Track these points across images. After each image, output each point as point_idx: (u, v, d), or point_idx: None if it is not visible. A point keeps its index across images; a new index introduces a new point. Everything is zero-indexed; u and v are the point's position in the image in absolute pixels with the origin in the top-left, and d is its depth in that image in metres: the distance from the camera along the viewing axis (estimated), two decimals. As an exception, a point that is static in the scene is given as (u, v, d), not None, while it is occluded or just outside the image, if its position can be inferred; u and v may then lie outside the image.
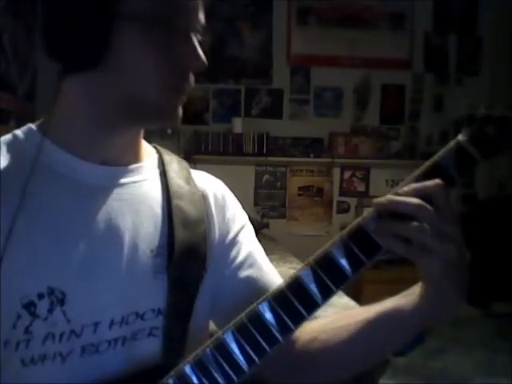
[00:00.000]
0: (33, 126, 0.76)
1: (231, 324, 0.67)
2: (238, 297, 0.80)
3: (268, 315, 0.67)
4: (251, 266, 0.83)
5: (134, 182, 0.77)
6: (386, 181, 4.98)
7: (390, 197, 0.65)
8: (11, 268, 0.67)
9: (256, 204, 4.83)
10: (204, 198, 0.83)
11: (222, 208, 0.84)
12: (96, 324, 0.70)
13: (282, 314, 0.66)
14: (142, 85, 0.70)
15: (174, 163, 0.84)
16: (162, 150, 0.86)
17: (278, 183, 4.95)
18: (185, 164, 0.86)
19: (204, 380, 0.67)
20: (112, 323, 0.71)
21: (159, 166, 0.82)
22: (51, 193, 0.72)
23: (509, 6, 4.40)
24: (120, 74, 0.69)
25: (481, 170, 4.58)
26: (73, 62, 0.69)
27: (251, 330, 0.67)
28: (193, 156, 4.25)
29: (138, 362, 0.72)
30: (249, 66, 4.88)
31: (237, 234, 0.84)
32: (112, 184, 0.75)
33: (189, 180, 0.83)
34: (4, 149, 0.74)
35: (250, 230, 0.87)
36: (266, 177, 4.93)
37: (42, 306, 0.68)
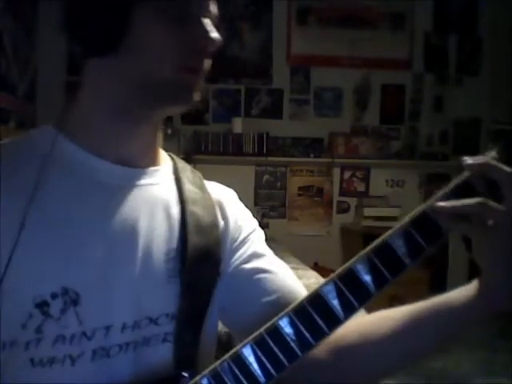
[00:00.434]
0: (49, 126, 0.77)
1: (250, 338, 0.66)
2: (246, 288, 0.80)
3: (288, 330, 0.65)
4: (259, 257, 0.82)
5: (151, 185, 0.77)
6: (386, 181, 4.99)
7: (484, 160, 0.63)
8: (24, 267, 0.66)
9: (256, 204, 4.83)
10: (220, 203, 0.84)
11: (234, 216, 0.85)
12: (108, 327, 0.69)
13: (302, 329, 0.65)
14: (160, 65, 0.71)
15: (188, 171, 0.85)
16: (176, 159, 0.86)
17: (278, 183, 4.94)
18: (198, 173, 0.87)
19: None
20: (124, 327, 0.70)
21: (174, 173, 0.83)
22: (67, 191, 0.71)
23: (509, 5, 4.39)
24: (139, 54, 0.70)
25: None
26: (94, 44, 0.70)
27: (270, 345, 0.65)
28: (193, 156, 4.24)
29: (149, 367, 0.71)
30: (249, 66, 4.88)
31: (247, 236, 0.84)
32: (129, 185, 0.75)
33: (202, 187, 0.84)
34: (19, 148, 0.74)
35: (260, 235, 0.87)
36: (266, 177, 4.93)
37: (55, 306, 0.67)
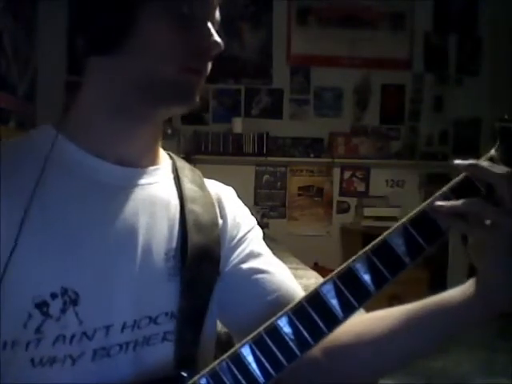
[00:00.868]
0: (49, 126, 0.77)
1: (249, 337, 0.66)
2: (245, 288, 0.80)
3: (287, 329, 0.65)
4: (257, 257, 0.82)
5: (150, 184, 0.77)
6: (386, 181, 4.99)
7: (473, 163, 0.63)
8: (24, 266, 0.66)
9: (256, 204, 4.83)
10: (218, 201, 0.84)
11: (233, 214, 0.85)
12: (108, 327, 0.70)
13: (301, 328, 0.65)
14: (163, 65, 0.71)
15: (187, 170, 0.85)
16: (175, 157, 0.87)
17: (278, 183, 4.94)
18: (197, 171, 0.87)
19: None
20: (124, 327, 0.70)
21: (173, 171, 0.83)
22: (66, 191, 0.72)
23: (509, 5, 4.40)
24: (143, 54, 0.71)
25: None
26: (98, 42, 0.70)
27: (269, 344, 0.65)
28: (193, 156, 4.24)
29: (150, 367, 0.71)
30: (249, 66, 4.88)
31: (245, 234, 0.84)
32: (128, 185, 0.75)
33: (202, 185, 0.84)
34: (19, 148, 0.74)
35: (258, 233, 0.87)
36: (265, 177, 4.93)
37: (55, 306, 0.67)
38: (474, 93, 4.95)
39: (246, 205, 0.90)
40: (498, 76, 4.84)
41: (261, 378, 0.65)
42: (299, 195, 4.96)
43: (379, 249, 0.65)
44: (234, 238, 0.83)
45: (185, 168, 0.85)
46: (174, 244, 0.75)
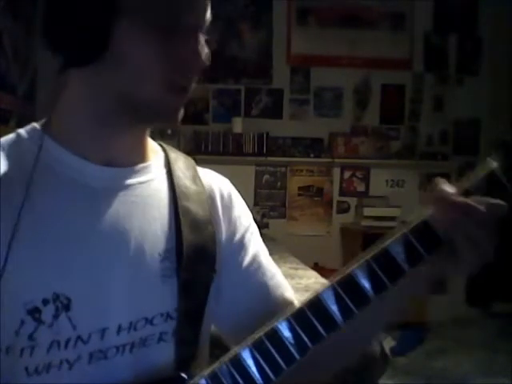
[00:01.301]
0: (37, 125, 0.75)
1: (248, 340, 0.66)
2: (239, 302, 0.79)
3: (287, 334, 0.66)
4: (256, 270, 0.81)
5: (140, 183, 0.76)
6: (386, 181, 4.99)
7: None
8: (15, 273, 0.66)
9: (256, 204, 4.83)
10: (210, 197, 0.81)
11: (228, 208, 0.83)
12: (103, 330, 0.69)
13: (301, 333, 0.66)
14: (140, 82, 0.68)
15: (180, 161, 0.82)
16: (168, 148, 0.84)
17: (278, 183, 4.94)
18: (191, 162, 0.84)
19: None
20: (120, 329, 0.70)
21: (165, 166, 0.80)
22: (55, 195, 0.70)
23: (509, 5, 4.39)
24: (119, 70, 0.68)
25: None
26: (73, 55, 0.67)
27: (269, 348, 0.66)
28: (193, 156, 4.24)
29: (148, 368, 0.71)
30: (249, 66, 4.88)
31: (243, 236, 0.82)
32: (118, 186, 0.74)
33: (195, 179, 0.81)
34: (7, 148, 0.72)
35: (255, 230, 0.86)
36: (265, 177, 4.93)
37: (47, 312, 0.67)
38: (473, 93, 4.95)
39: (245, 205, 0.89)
40: (498, 76, 4.84)
41: (260, 382, 0.66)
42: (299, 195, 4.96)
43: (379, 256, 0.66)
44: (231, 239, 0.81)
45: (178, 160, 0.82)
46: (168, 244, 0.74)
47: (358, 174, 5.01)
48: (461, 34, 5.01)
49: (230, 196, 0.84)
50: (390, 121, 5.03)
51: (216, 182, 0.85)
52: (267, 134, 4.75)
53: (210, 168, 0.86)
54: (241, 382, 0.66)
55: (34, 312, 0.66)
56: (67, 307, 0.67)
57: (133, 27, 0.66)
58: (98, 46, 0.66)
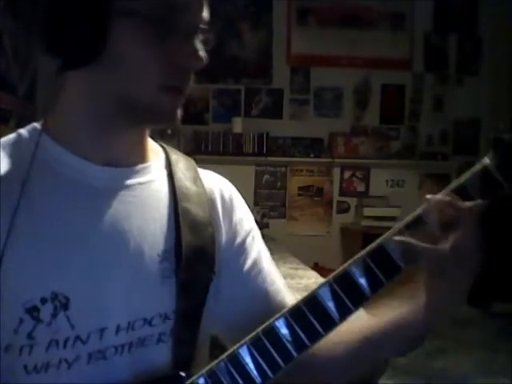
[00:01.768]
0: (37, 125, 0.75)
1: (247, 338, 0.67)
2: (239, 307, 0.79)
3: (284, 331, 0.66)
4: (257, 275, 0.81)
5: (140, 184, 0.75)
6: (386, 181, 4.99)
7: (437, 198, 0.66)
8: (14, 271, 0.66)
9: (256, 204, 4.83)
10: (211, 199, 0.81)
11: (229, 211, 0.82)
12: (102, 330, 0.69)
13: (298, 330, 0.66)
14: (137, 84, 0.68)
15: (181, 163, 0.82)
16: (169, 149, 0.83)
17: (278, 183, 4.95)
18: (192, 163, 0.84)
19: None
20: (118, 329, 0.70)
21: (166, 167, 0.80)
22: (54, 195, 0.70)
23: (509, 5, 4.39)
24: (116, 71, 0.68)
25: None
26: (70, 57, 0.67)
27: (266, 345, 0.66)
28: (193, 156, 4.24)
29: (146, 368, 0.71)
30: (249, 66, 4.88)
31: (244, 239, 0.82)
32: (117, 186, 0.74)
33: (196, 180, 0.81)
34: (8, 148, 0.72)
35: (256, 233, 0.85)
36: (265, 177, 4.93)
37: (46, 311, 0.67)
38: (473, 93, 4.95)
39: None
40: (498, 76, 4.84)
41: (258, 379, 0.66)
42: (299, 195, 4.96)
43: (375, 253, 0.66)
44: (232, 242, 0.81)
45: (179, 161, 0.82)
46: (167, 245, 0.74)
47: (358, 173, 5.01)
48: (461, 34, 5.02)
49: (231, 198, 0.84)
50: (390, 121, 5.03)
51: (217, 184, 0.84)
52: (267, 134, 4.75)
53: (210, 168, 0.86)
54: (239, 379, 0.66)
55: (33, 311, 0.66)
56: (65, 306, 0.68)
57: (129, 28, 0.66)
58: (95, 48, 0.66)
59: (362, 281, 0.65)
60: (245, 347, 0.66)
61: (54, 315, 0.67)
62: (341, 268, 0.66)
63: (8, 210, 0.67)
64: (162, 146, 0.84)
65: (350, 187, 5.01)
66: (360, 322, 0.77)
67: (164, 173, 0.79)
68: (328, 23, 4.88)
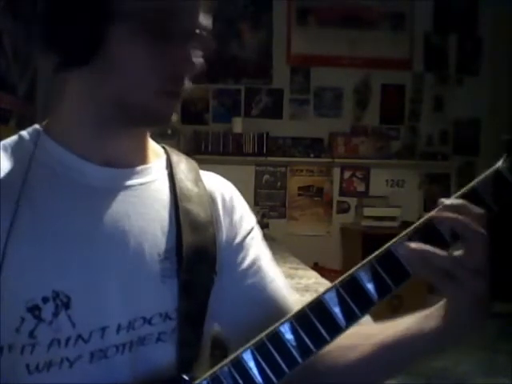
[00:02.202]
0: (38, 126, 0.76)
1: (251, 343, 0.66)
2: (239, 304, 0.79)
3: (289, 336, 0.65)
4: (256, 273, 0.81)
5: (141, 184, 0.76)
6: (386, 181, 4.99)
7: (436, 213, 0.63)
8: (15, 271, 0.66)
9: (256, 204, 4.83)
10: (212, 200, 0.81)
11: (229, 211, 0.82)
12: (103, 329, 0.69)
13: (303, 335, 0.65)
14: (133, 87, 0.69)
15: (183, 164, 0.82)
16: (171, 150, 0.84)
17: (278, 183, 4.95)
18: (194, 164, 0.84)
19: None
20: (119, 328, 0.70)
21: (167, 167, 0.80)
22: (55, 194, 0.71)
23: (509, 5, 4.39)
24: (113, 74, 0.68)
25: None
26: (66, 57, 0.68)
27: (271, 350, 0.65)
28: (193, 156, 4.24)
29: (148, 368, 0.71)
30: (249, 66, 4.88)
31: (244, 238, 0.82)
32: (118, 186, 0.74)
33: (197, 181, 0.81)
34: (9, 150, 0.73)
35: (257, 233, 0.85)
36: (265, 177, 4.93)
37: (47, 310, 0.67)
38: (473, 93, 4.95)
39: (245, 205, 0.88)
40: (498, 76, 4.84)
41: (261, 383, 0.65)
42: (299, 195, 4.96)
43: (383, 258, 0.64)
44: (232, 241, 0.81)
45: (180, 162, 0.82)
46: (168, 245, 0.74)
47: (358, 173, 5.01)
48: (461, 34, 5.02)
49: (231, 199, 0.84)
50: (390, 121, 5.03)
51: (218, 185, 0.85)
52: (267, 134, 4.75)
53: (210, 168, 0.86)
54: None
55: (34, 310, 0.67)
56: (67, 305, 0.68)
57: (125, 32, 0.67)
58: (90, 49, 0.66)
59: (370, 286, 0.64)
60: (249, 352, 0.66)
61: (56, 314, 0.67)
62: (348, 273, 0.65)
63: (9, 210, 0.67)
64: (164, 148, 0.84)
65: (349, 187, 5.01)
66: (375, 328, 0.76)
67: (165, 173, 0.80)
68: (328, 23, 4.88)
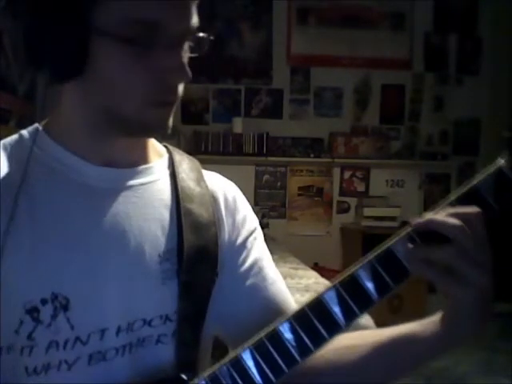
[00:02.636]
0: (39, 126, 0.75)
1: (249, 342, 0.66)
2: (239, 305, 0.79)
3: (288, 335, 0.65)
4: (257, 274, 0.80)
5: (142, 184, 0.75)
6: (386, 181, 4.99)
7: (429, 217, 0.62)
8: (14, 272, 0.66)
9: (256, 204, 4.83)
10: (214, 200, 0.80)
11: (232, 211, 0.81)
12: (102, 331, 0.69)
13: (302, 335, 0.65)
14: (121, 98, 0.67)
15: (185, 163, 0.81)
16: (173, 150, 0.83)
17: (278, 183, 4.94)
18: (196, 163, 0.83)
19: None
20: (119, 330, 0.69)
21: (169, 167, 0.80)
22: (54, 195, 0.71)
23: (509, 5, 4.40)
24: (100, 85, 0.67)
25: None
26: (53, 72, 0.67)
27: (270, 350, 0.65)
28: (193, 156, 4.25)
29: (148, 369, 0.71)
30: (249, 66, 4.88)
31: (246, 239, 0.81)
32: (118, 186, 0.73)
33: (199, 181, 0.80)
34: (9, 149, 0.73)
35: (259, 235, 0.84)
36: (265, 177, 4.93)
37: (46, 312, 0.67)
38: (473, 93, 4.95)
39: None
40: (498, 76, 4.84)
41: (260, 383, 0.65)
42: (299, 195, 4.96)
43: (383, 257, 0.64)
44: (234, 242, 0.80)
45: (183, 162, 0.81)
46: (169, 245, 0.73)
47: (358, 173, 5.01)
48: (461, 34, 5.01)
49: (234, 200, 0.83)
50: (390, 121, 5.03)
51: (221, 185, 0.84)
52: (267, 134, 4.75)
53: (210, 168, 0.85)
54: (241, 383, 0.65)
55: (33, 312, 0.66)
56: (66, 307, 0.67)
57: (107, 44, 0.65)
58: (75, 63, 0.65)
59: (369, 285, 0.63)
60: (248, 351, 0.65)
61: (54, 316, 0.67)
62: (347, 272, 0.65)
63: (8, 209, 0.67)
64: (166, 147, 0.83)
65: (349, 187, 5.01)
66: (373, 331, 0.76)
67: (167, 173, 0.79)
68: (328, 23, 4.88)
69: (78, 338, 0.68)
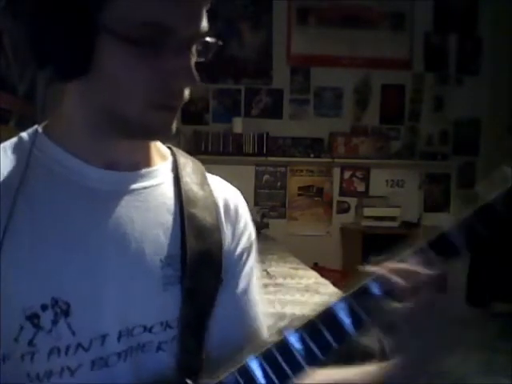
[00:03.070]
0: (39, 127, 0.74)
1: (258, 351, 0.65)
2: (226, 314, 0.77)
3: (298, 346, 0.65)
4: (246, 288, 0.79)
5: (145, 188, 0.74)
6: (386, 181, 4.99)
7: (381, 271, 0.65)
8: (13, 278, 0.65)
9: (256, 204, 4.83)
10: (216, 205, 0.79)
11: (233, 220, 0.80)
12: (103, 336, 0.68)
13: (312, 346, 0.65)
14: (123, 100, 0.66)
15: (189, 167, 0.80)
16: (177, 152, 0.81)
17: (278, 183, 4.95)
18: (200, 167, 0.82)
19: None
20: (120, 335, 0.69)
21: (173, 170, 0.78)
22: (55, 198, 0.69)
23: (509, 5, 4.40)
24: (103, 86, 0.66)
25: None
26: (57, 71, 0.66)
27: (277, 358, 0.65)
28: (193, 156, 4.25)
29: (150, 375, 0.70)
30: (249, 66, 4.88)
31: (243, 251, 0.80)
32: (120, 190, 0.72)
33: (203, 185, 0.79)
34: (9, 151, 0.72)
35: (254, 248, 0.83)
36: (266, 177, 4.93)
37: (46, 318, 0.66)
38: (473, 93, 4.95)
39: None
40: (498, 76, 4.85)
41: None
42: (299, 195, 4.96)
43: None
44: (232, 252, 0.79)
45: (187, 165, 0.80)
46: (171, 250, 0.72)
47: (358, 173, 5.01)
48: (461, 34, 5.02)
49: (236, 208, 0.81)
50: (390, 121, 5.03)
51: (224, 191, 0.82)
52: (267, 134, 4.75)
53: (210, 168, 0.85)
54: None
55: (33, 318, 0.65)
56: (66, 313, 0.66)
57: (113, 45, 0.64)
58: (81, 62, 0.64)
59: (380, 296, 0.65)
60: (256, 361, 0.65)
61: (55, 322, 0.66)
62: (358, 284, 0.66)
63: (7, 212, 0.66)
64: (170, 149, 0.82)
65: (350, 187, 5.01)
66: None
67: (170, 176, 0.77)
68: (328, 23, 4.88)
69: (79, 344, 0.67)
